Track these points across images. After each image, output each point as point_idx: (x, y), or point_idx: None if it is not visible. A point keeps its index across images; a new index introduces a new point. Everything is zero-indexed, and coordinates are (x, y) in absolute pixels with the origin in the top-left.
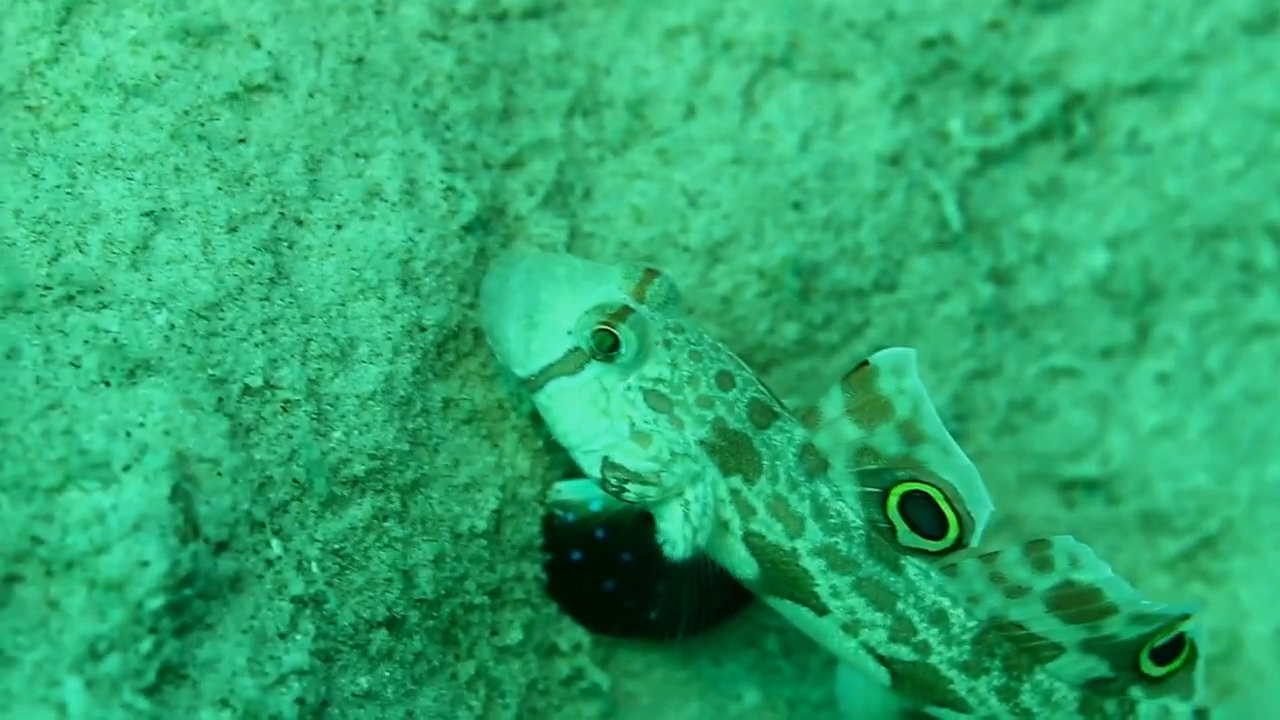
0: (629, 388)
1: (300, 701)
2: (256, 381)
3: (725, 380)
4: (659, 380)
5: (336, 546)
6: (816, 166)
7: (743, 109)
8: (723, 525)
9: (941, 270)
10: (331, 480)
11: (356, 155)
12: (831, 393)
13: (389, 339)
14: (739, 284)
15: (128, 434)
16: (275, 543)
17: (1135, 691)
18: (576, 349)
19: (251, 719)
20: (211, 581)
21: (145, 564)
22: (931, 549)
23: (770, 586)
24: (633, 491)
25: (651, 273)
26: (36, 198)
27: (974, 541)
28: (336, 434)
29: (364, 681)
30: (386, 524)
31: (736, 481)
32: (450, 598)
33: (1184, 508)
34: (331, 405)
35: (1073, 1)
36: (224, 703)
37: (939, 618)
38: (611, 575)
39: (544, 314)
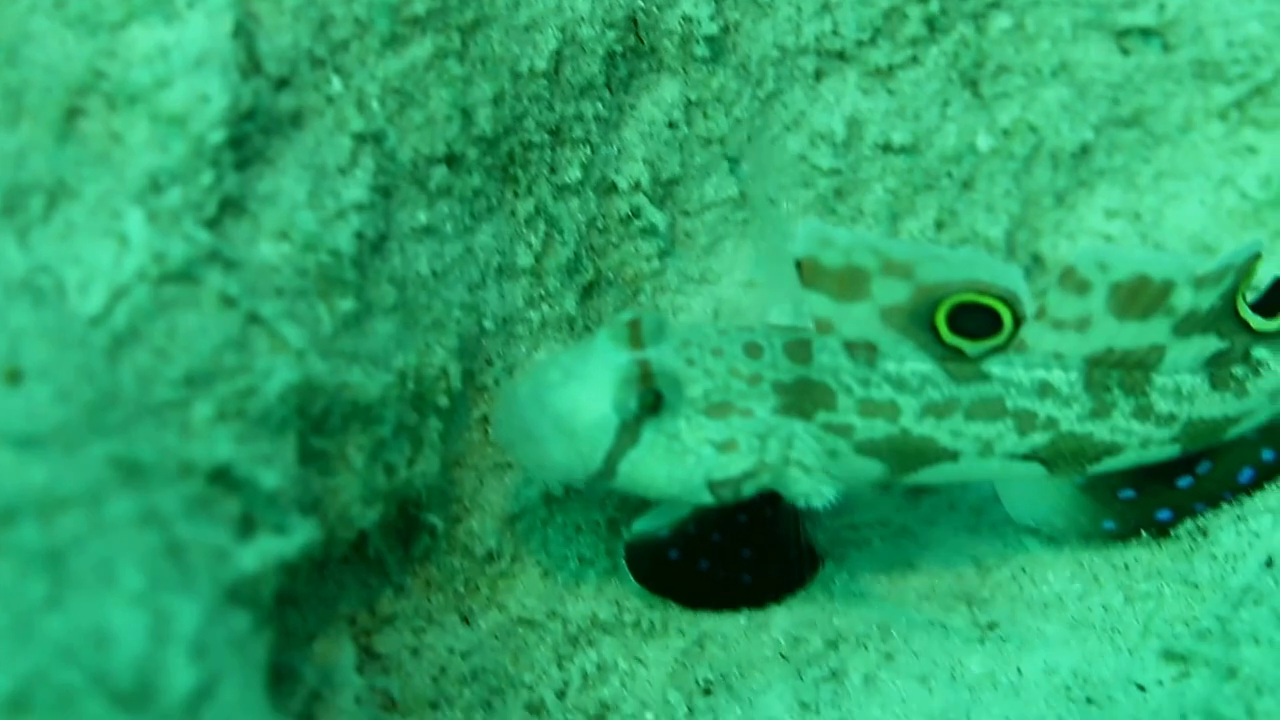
0: (687, 419)
1: (359, 235)
2: None
3: (754, 350)
4: (706, 394)
5: (396, 85)
6: None
7: None
8: (832, 455)
9: None
10: (393, 19)
11: None
12: (811, 299)
13: None
14: None
15: None
16: (336, 80)
17: (1260, 351)
18: (624, 423)
19: (310, 250)
20: (272, 117)
21: (207, 98)
22: (1000, 342)
23: (902, 469)
24: (749, 487)
25: (634, 321)
26: None
27: (1029, 307)
28: None
29: (423, 216)
30: (446, 62)
31: (822, 416)
32: (509, 136)
33: (1237, 56)
34: None
35: None
36: (283, 235)
37: (1045, 389)
38: (704, 556)
39: (571, 420)
